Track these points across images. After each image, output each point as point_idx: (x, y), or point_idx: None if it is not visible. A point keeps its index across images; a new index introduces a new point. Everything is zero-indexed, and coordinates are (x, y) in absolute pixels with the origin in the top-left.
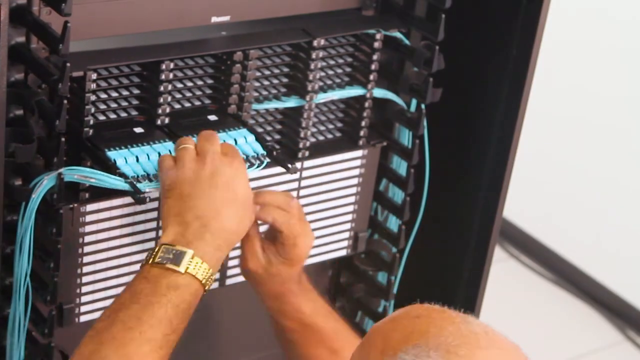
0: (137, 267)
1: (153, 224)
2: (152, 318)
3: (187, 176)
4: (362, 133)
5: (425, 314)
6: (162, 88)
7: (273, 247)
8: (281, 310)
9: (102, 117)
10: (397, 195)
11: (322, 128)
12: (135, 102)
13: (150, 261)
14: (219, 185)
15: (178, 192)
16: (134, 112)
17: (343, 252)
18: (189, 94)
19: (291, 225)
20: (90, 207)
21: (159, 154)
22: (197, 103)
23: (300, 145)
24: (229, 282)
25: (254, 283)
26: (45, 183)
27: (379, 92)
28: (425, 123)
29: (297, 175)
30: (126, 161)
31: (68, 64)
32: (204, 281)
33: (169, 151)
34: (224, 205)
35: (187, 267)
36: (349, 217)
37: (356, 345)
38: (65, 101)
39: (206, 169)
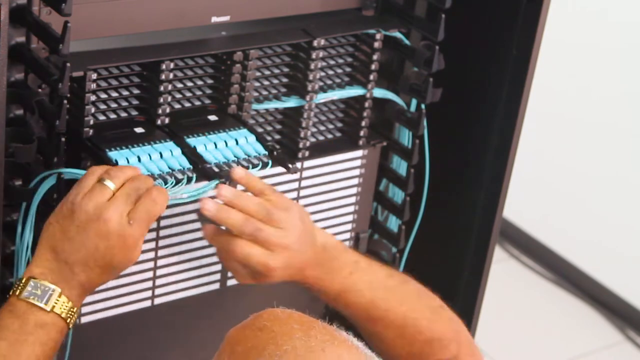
0: (137, 267)
1: (153, 225)
2: (19, 356)
3: (84, 214)
4: (362, 133)
5: (268, 326)
6: (162, 88)
7: None
8: (312, 291)
9: (102, 117)
10: (397, 195)
11: (322, 128)
12: (135, 102)
13: (17, 294)
14: (104, 244)
15: (65, 225)
16: (134, 112)
17: None
18: (189, 94)
19: (233, 250)
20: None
21: (161, 154)
22: (197, 103)
23: (300, 145)
24: (229, 282)
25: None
26: (45, 183)
27: (379, 92)
28: (425, 123)
29: (297, 175)
30: (128, 161)
31: (68, 64)
32: (68, 320)
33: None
34: (100, 265)
35: (54, 306)
36: (350, 217)
37: (402, 312)
38: (65, 101)
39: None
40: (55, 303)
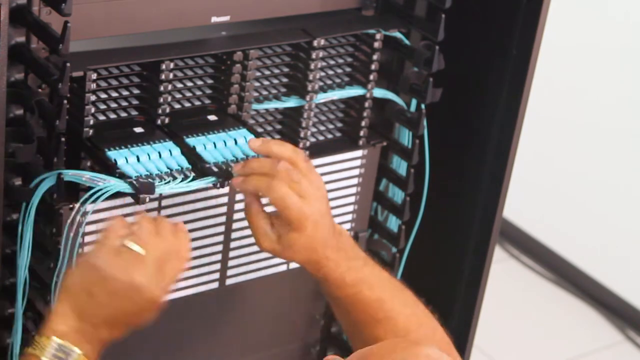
0: None
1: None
2: None
3: (116, 282)
4: (362, 133)
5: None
6: (162, 88)
7: (279, 219)
8: (326, 280)
9: (102, 117)
10: (397, 195)
11: (322, 128)
12: (135, 102)
13: (40, 355)
14: (127, 306)
15: (93, 290)
16: (134, 112)
17: None
18: (189, 94)
19: (272, 188)
20: (90, 207)
21: (159, 153)
22: (197, 103)
23: (300, 146)
24: (229, 282)
25: (286, 259)
26: (45, 183)
27: (379, 92)
28: (425, 123)
29: None
30: (127, 161)
31: (68, 64)
32: None
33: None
34: (123, 323)
35: None
36: (349, 217)
37: (405, 315)
38: (65, 101)
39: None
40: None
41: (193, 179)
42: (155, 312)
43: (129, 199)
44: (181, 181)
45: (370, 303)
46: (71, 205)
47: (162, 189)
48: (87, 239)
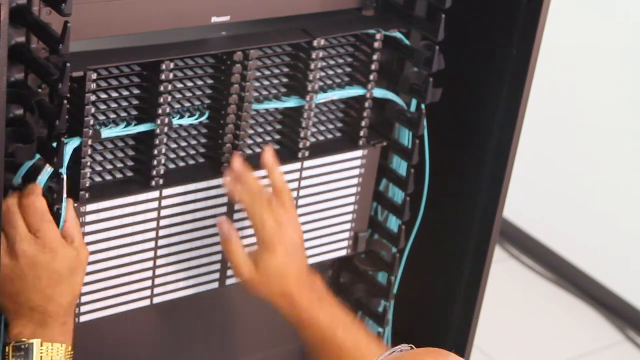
0: (136, 267)
1: (153, 224)
2: None
3: (14, 271)
4: (362, 133)
5: None
6: (162, 88)
7: (254, 247)
8: (299, 320)
9: (102, 117)
10: (397, 195)
11: (322, 128)
12: (135, 102)
13: None
14: (42, 275)
15: (7, 289)
16: (134, 112)
17: (343, 252)
18: (189, 94)
19: (256, 205)
20: (90, 207)
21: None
22: (197, 103)
23: (300, 145)
24: (228, 282)
25: (263, 292)
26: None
27: (379, 92)
28: (425, 123)
29: (297, 175)
30: None
31: (68, 64)
32: (63, 359)
33: None
34: (53, 289)
35: (41, 357)
36: (349, 217)
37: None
38: (65, 101)
39: (22, 261)
40: (40, 353)
41: (137, 125)
42: (66, 254)
43: (130, 199)
44: (125, 127)
45: (349, 347)
46: None
47: (106, 133)
48: (87, 238)
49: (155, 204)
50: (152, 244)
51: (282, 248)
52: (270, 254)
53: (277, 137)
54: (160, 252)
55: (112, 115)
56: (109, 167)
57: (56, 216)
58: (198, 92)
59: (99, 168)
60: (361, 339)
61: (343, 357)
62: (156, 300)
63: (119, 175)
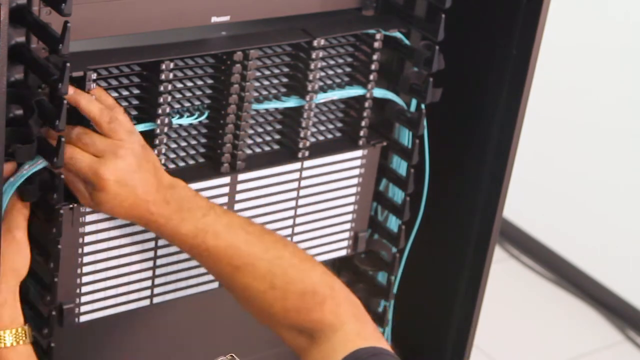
0: (136, 267)
1: None
2: None
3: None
4: (362, 133)
5: None
6: (162, 88)
7: None
8: (163, 236)
9: None
10: (397, 195)
11: (322, 128)
12: (135, 102)
13: None
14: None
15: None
16: (134, 112)
17: (343, 252)
18: (189, 94)
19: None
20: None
21: None
22: (197, 103)
23: (300, 145)
24: None
25: (111, 215)
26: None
27: (379, 92)
28: (425, 123)
29: (297, 175)
30: None
31: (68, 64)
32: (16, 341)
33: None
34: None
35: None
36: (349, 217)
37: (267, 259)
38: (65, 101)
39: None
40: None
41: (137, 124)
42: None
43: None
44: None
45: (221, 252)
46: (71, 205)
47: None
48: (87, 239)
49: None
50: (152, 244)
51: (110, 184)
52: (101, 192)
53: (277, 137)
54: (160, 252)
55: None
56: None
57: (55, 216)
58: (198, 92)
59: None
60: (241, 242)
61: (227, 263)
62: (156, 300)
63: None
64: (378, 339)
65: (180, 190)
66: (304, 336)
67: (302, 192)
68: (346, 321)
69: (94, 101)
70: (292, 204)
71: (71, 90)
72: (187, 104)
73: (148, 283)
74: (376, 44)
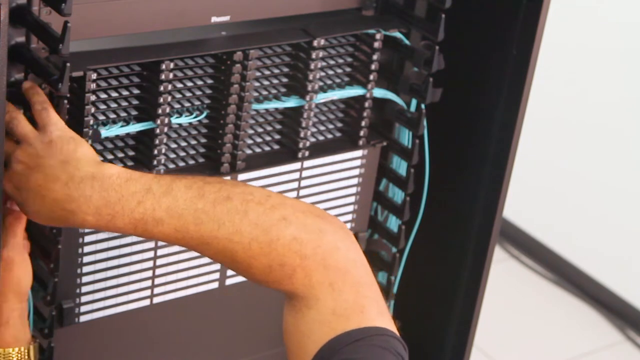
0: (136, 267)
1: None
2: None
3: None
4: (362, 133)
5: None
6: (162, 88)
7: None
8: (126, 231)
9: (102, 117)
10: (397, 195)
11: (322, 128)
12: (135, 102)
13: None
14: None
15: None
16: (133, 112)
17: None
18: (188, 94)
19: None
20: None
21: None
22: (197, 103)
23: (300, 145)
24: (228, 282)
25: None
26: None
27: (379, 92)
28: (425, 123)
29: (297, 175)
30: None
31: (68, 64)
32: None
33: None
34: None
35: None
36: (349, 217)
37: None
38: (65, 101)
39: None
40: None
41: (136, 124)
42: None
43: None
44: (125, 126)
45: (169, 236)
46: None
47: (106, 132)
48: (88, 238)
49: None
50: (152, 244)
51: (31, 189)
52: (29, 202)
53: (277, 137)
54: (160, 252)
55: (112, 115)
56: None
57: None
58: (198, 92)
59: None
60: (186, 223)
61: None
62: (156, 300)
63: None
64: (359, 308)
65: (105, 182)
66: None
67: (302, 192)
68: (320, 295)
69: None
70: None
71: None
72: (187, 104)
73: (148, 283)
74: (376, 44)
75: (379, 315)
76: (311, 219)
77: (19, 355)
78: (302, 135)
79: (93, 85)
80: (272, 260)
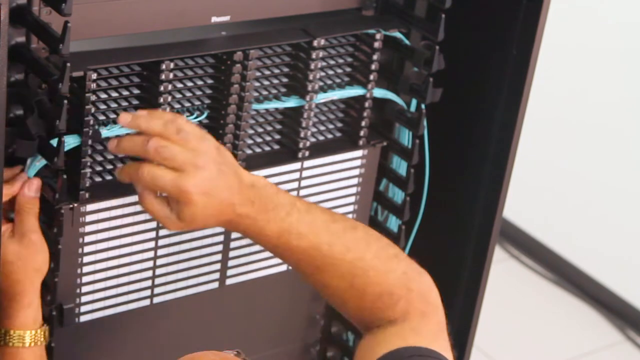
0: (137, 267)
1: (153, 224)
2: None
3: None
4: (362, 133)
5: None
6: (162, 88)
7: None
8: (250, 236)
9: (102, 117)
10: (397, 195)
11: (322, 128)
12: (135, 102)
13: None
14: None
15: None
16: (134, 112)
17: None
18: (189, 94)
19: (140, 174)
20: (90, 207)
21: None
22: (197, 103)
23: (300, 145)
24: (228, 282)
25: (203, 229)
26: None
27: (379, 92)
28: (425, 123)
29: (297, 175)
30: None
31: (68, 64)
32: (38, 342)
33: None
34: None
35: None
36: (349, 217)
37: (348, 260)
38: (66, 101)
39: None
40: (9, 339)
41: None
42: (20, 251)
43: (130, 199)
44: (122, 126)
45: (303, 252)
46: (71, 205)
47: (106, 132)
48: (88, 238)
49: None
50: (152, 244)
51: (197, 196)
52: (189, 206)
53: (277, 137)
54: (160, 252)
55: (112, 115)
56: (109, 167)
57: (55, 216)
58: (198, 92)
59: (99, 168)
60: (324, 242)
61: (309, 263)
62: (156, 300)
63: None
64: (434, 336)
65: (261, 190)
66: (366, 325)
67: (302, 192)
68: (409, 318)
69: (152, 117)
70: None
71: (127, 117)
72: (187, 104)
73: (148, 283)
74: (376, 44)
75: (444, 342)
76: (414, 262)
77: (36, 337)
78: (302, 135)
79: (93, 85)
80: (383, 289)
